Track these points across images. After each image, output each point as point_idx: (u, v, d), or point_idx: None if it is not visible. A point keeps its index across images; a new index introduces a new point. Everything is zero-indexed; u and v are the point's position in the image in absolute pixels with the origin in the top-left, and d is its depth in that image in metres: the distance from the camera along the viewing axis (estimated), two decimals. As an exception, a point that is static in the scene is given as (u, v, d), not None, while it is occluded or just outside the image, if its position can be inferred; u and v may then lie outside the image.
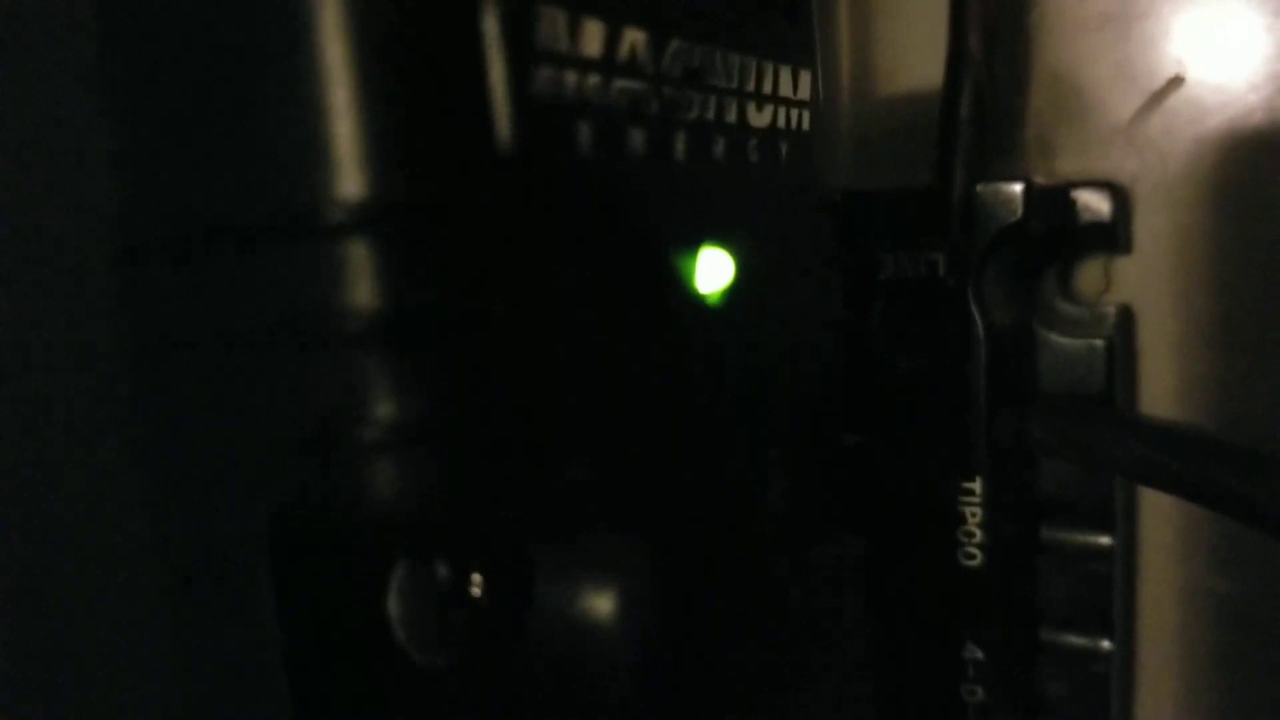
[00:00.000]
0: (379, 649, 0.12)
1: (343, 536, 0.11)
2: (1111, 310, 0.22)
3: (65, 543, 0.13)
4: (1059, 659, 0.22)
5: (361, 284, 0.10)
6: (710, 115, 0.14)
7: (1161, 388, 0.23)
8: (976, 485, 0.21)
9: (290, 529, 0.11)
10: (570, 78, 0.11)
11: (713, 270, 0.14)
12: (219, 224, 0.11)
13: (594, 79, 0.12)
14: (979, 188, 0.21)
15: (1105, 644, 0.22)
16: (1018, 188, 0.21)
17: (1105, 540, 0.22)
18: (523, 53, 0.11)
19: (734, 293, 0.14)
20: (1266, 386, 0.22)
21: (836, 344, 0.19)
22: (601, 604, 0.13)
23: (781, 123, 0.15)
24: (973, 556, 0.21)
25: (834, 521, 0.19)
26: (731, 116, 0.14)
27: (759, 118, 0.15)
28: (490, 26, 0.11)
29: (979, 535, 0.21)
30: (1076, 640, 0.22)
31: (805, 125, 0.16)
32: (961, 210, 0.21)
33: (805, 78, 0.16)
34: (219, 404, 0.11)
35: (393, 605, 0.12)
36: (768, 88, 0.15)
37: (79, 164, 0.12)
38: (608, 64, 0.12)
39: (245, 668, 0.12)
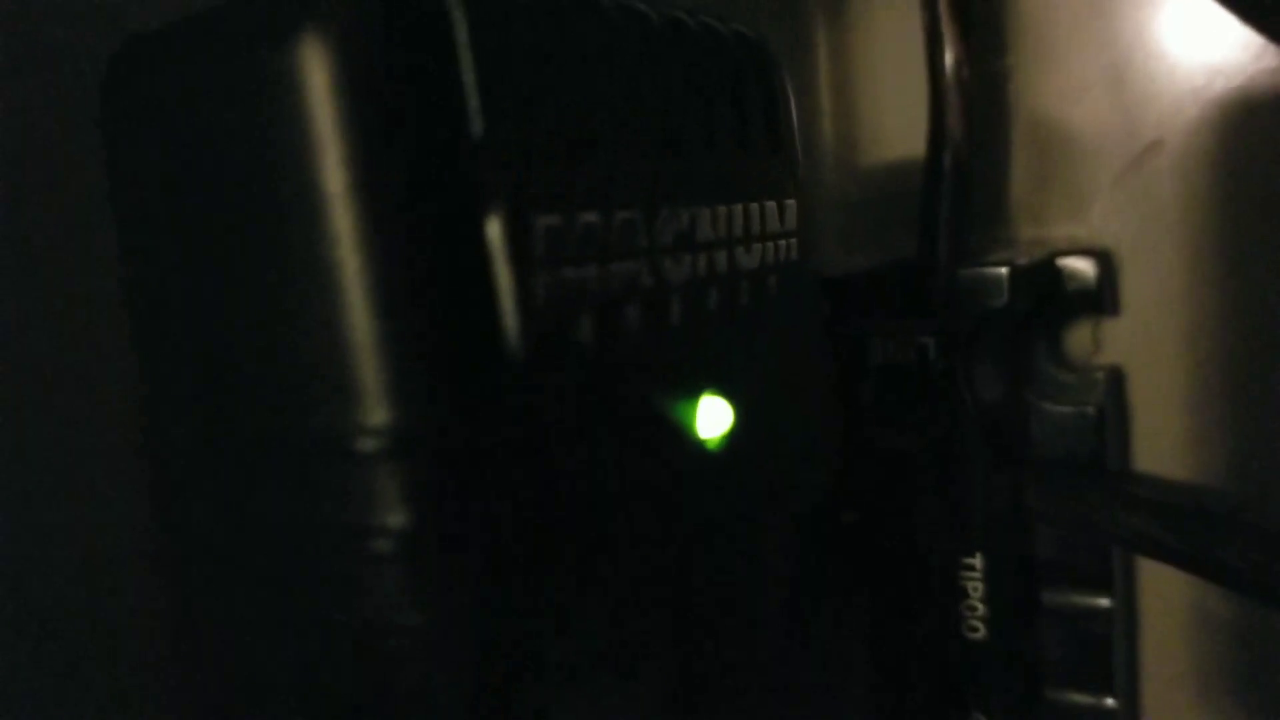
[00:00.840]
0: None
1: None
2: (1101, 375, 0.23)
3: None
4: (1065, 717, 0.23)
5: (386, 504, 0.11)
6: (702, 271, 0.14)
7: (1155, 444, 0.23)
8: (977, 560, 0.21)
9: (321, 713, 0.12)
10: (570, 274, 0.12)
11: (712, 417, 0.14)
12: (246, 441, 0.11)
13: (590, 270, 0.12)
14: (964, 273, 0.21)
15: (1109, 702, 0.22)
16: (1003, 271, 0.21)
17: (1104, 601, 0.22)
18: (525, 264, 0.11)
19: (735, 432, 0.15)
20: (1258, 440, 0.23)
21: (832, 435, 0.19)
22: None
23: (770, 259, 0.16)
24: (976, 629, 0.21)
25: (836, 600, 0.20)
26: (722, 266, 0.15)
27: (748, 260, 0.15)
28: (494, 243, 0.11)
29: (981, 608, 0.21)
30: (1081, 699, 0.22)
31: (793, 254, 0.16)
32: (947, 293, 0.22)
33: (790, 207, 0.16)
34: (248, 604, 0.12)
35: None
36: (755, 228, 0.15)
37: (108, 366, 0.12)
38: (603, 251, 0.12)
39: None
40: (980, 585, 0.21)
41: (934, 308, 0.22)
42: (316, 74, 0.10)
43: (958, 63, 0.23)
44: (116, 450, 0.13)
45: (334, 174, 0.11)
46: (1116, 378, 0.23)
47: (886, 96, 0.26)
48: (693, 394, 0.14)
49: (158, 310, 0.12)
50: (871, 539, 0.22)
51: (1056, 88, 0.24)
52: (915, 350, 0.21)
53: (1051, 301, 0.23)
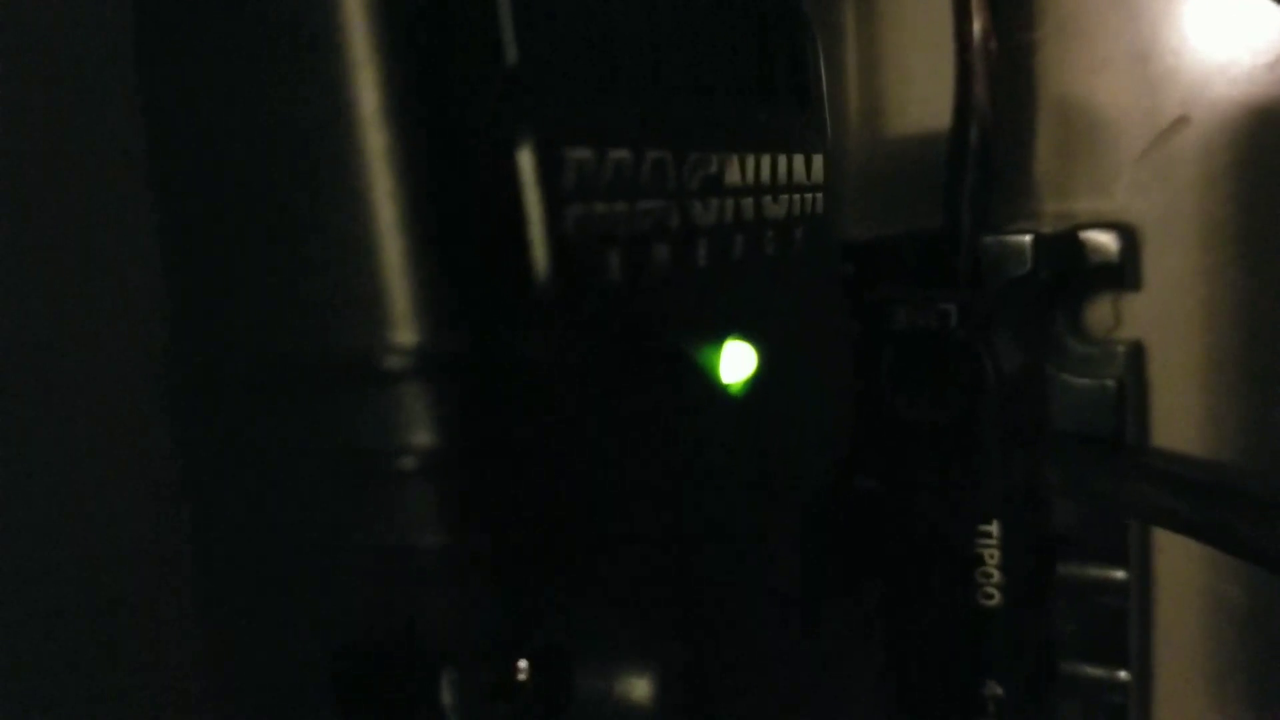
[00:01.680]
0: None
1: (397, 643, 0.12)
2: (1121, 349, 0.23)
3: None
4: (1077, 691, 0.23)
5: (411, 423, 0.11)
6: (729, 217, 0.14)
7: (1173, 420, 0.23)
8: (993, 528, 0.21)
9: (350, 636, 0.12)
10: (600, 209, 0.12)
11: (736, 363, 0.14)
12: (275, 363, 0.11)
13: (620, 206, 0.12)
14: (988, 240, 0.21)
15: (1122, 675, 0.22)
16: (1026, 239, 0.21)
17: (1119, 575, 0.22)
18: (556, 194, 0.12)
19: (757, 380, 0.15)
20: (1275, 417, 0.23)
21: (850, 398, 0.20)
22: (637, 691, 0.13)
23: (796, 210, 0.16)
24: (991, 596, 0.21)
25: (853, 566, 0.20)
26: (749, 214, 0.15)
27: (775, 209, 0.15)
28: (525, 173, 0.11)
29: (997, 575, 0.21)
30: (1094, 672, 0.22)
31: (819, 208, 0.16)
32: (970, 262, 0.22)
33: (818, 162, 0.16)
34: (277, 531, 0.12)
35: (446, 698, 0.13)
36: (782, 179, 0.15)
37: (137, 298, 0.12)
38: (633, 188, 0.13)
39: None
40: (996, 553, 0.21)
41: (956, 275, 0.22)
42: (354, -4, 0.10)
43: (985, 34, 0.23)
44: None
45: (369, 95, 0.11)
46: (1136, 352, 0.23)
47: (913, 67, 0.26)
48: (717, 338, 0.14)
49: (186, 233, 0.12)
50: (888, 506, 0.22)
51: (1082, 62, 0.24)
52: (936, 317, 0.21)
53: (1073, 274, 0.23)
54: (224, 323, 0.12)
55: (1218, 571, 0.23)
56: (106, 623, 0.13)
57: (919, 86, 0.26)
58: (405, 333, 0.11)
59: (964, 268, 0.21)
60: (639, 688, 0.13)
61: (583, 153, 0.12)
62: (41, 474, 0.13)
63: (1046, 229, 0.22)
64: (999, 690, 0.21)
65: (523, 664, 0.13)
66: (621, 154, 0.12)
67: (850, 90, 0.27)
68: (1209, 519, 0.20)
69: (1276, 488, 0.22)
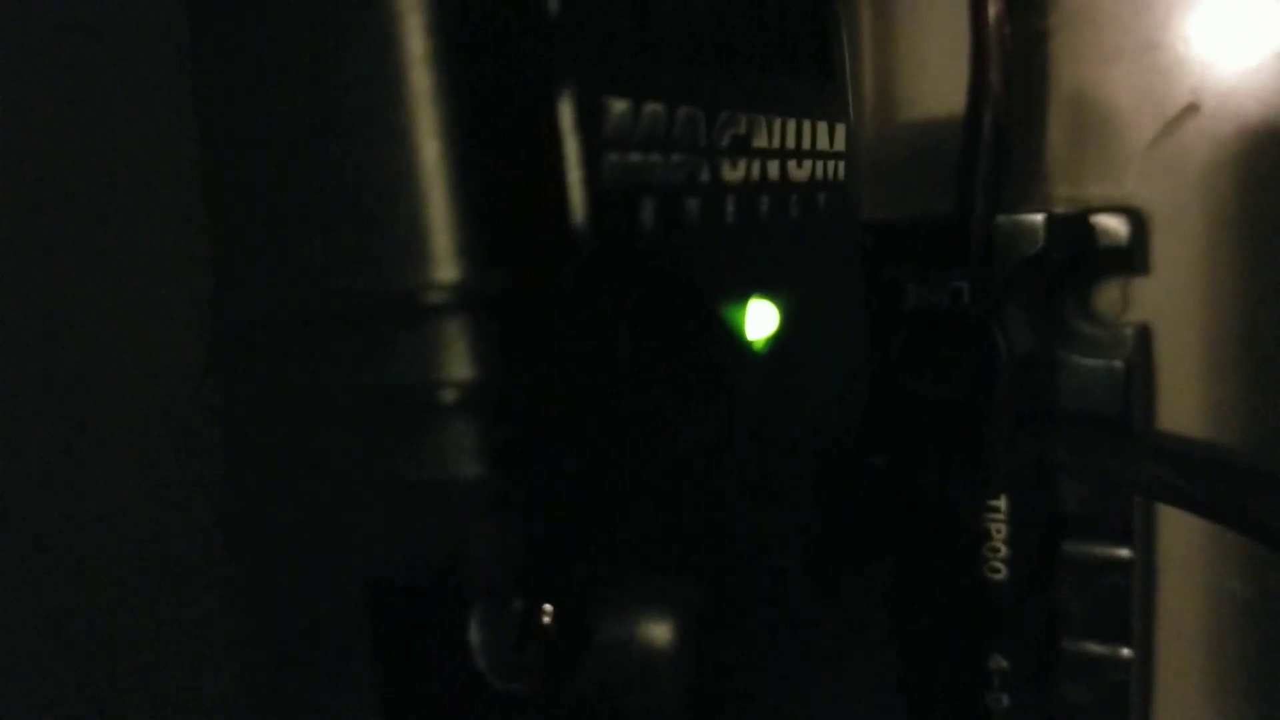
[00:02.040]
0: (462, 678, 0.13)
1: (430, 579, 0.13)
2: (1130, 331, 0.23)
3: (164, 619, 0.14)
4: (1080, 667, 0.23)
5: (455, 358, 0.11)
6: (755, 177, 0.15)
7: (1179, 404, 0.24)
8: (1001, 503, 0.22)
9: (384, 572, 0.12)
10: (635, 159, 0.12)
11: (759, 320, 0.15)
12: (322, 302, 0.12)
13: (655, 157, 0.13)
14: (1000, 219, 0.22)
15: (1125, 652, 0.23)
16: (1038, 219, 0.22)
17: (1124, 553, 0.23)
18: (594, 142, 0.12)
19: (778, 339, 0.15)
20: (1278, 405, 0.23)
21: (866, 372, 0.20)
22: (655, 636, 0.14)
23: (820, 175, 0.16)
24: (998, 570, 0.22)
25: (864, 539, 0.20)
26: (774, 175, 0.15)
27: (799, 173, 0.16)
28: (565, 120, 0.12)
29: (1004, 550, 0.22)
30: (1097, 649, 0.23)
31: (841, 175, 0.17)
32: (982, 241, 0.22)
33: (840, 130, 0.17)
34: (315, 470, 0.12)
35: (474, 637, 0.13)
36: (806, 144, 0.16)
37: (183, 241, 0.13)
38: (666, 142, 0.13)
39: (340, 700, 0.13)
40: (1004, 528, 0.21)
41: (968, 255, 0.22)
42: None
43: (1000, 20, 0.23)
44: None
45: (416, 40, 0.11)
46: (1144, 335, 0.23)
47: (928, 52, 0.26)
48: (742, 294, 0.14)
49: (230, 174, 0.12)
50: (898, 482, 0.22)
51: (1094, 51, 0.24)
52: (949, 295, 0.21)
53: (1083, 257, 0.23)
54: (268, 262, 0.12)
55: (1218, 557, 0.24)
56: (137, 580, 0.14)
57: (934, 72, 0.26)
58: (448, 270, 0.11)
59: (976, 248, 0.22)
60: (657, 635, 0.14)
61: (620, 103, 0.12)
62: (88, 427, 0.13)
63: (1055, 211, 0.22)
64: (1004, 664, 0.22)
65: (547, 607, 0.14)
66: (656, 107, 0.13)
67: (866, 75, 0.27)
68: (1215, 497, 0.20)
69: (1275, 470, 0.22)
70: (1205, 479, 0.21)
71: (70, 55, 0.13)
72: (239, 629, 0.13)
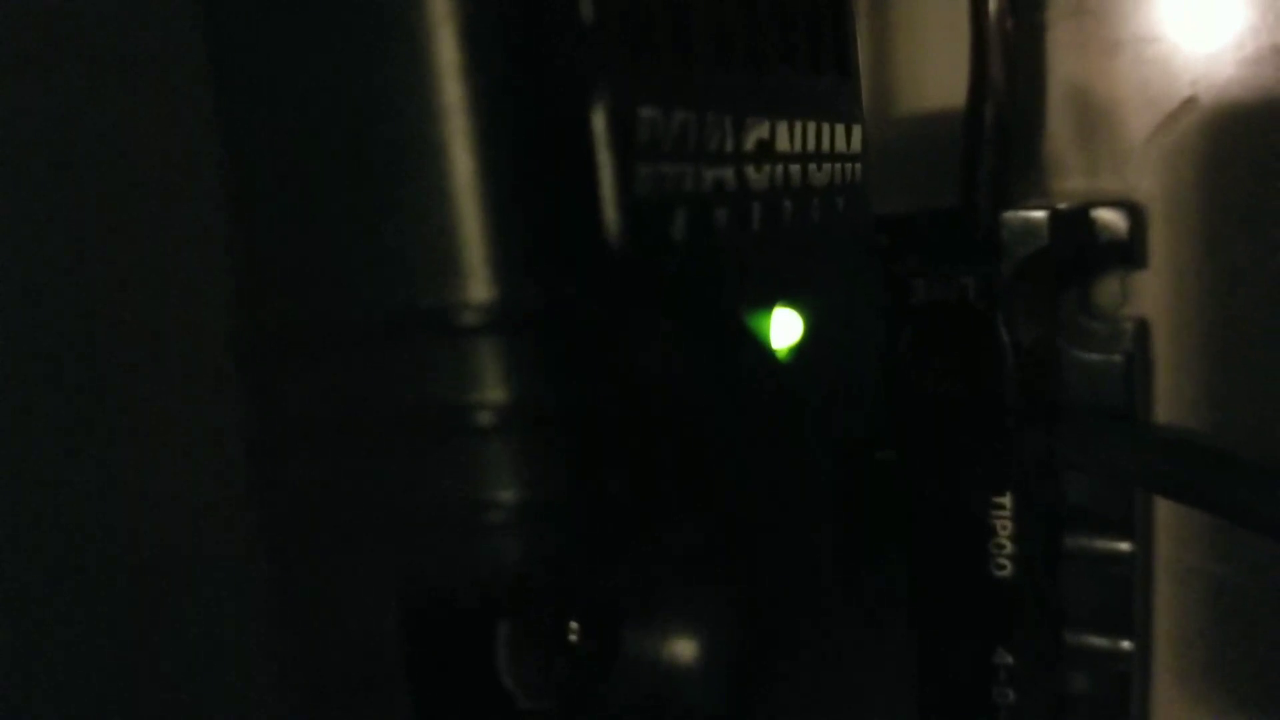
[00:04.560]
0: (490, 696, 0.13)
1: (460, 599, 0.12)
2: (1129, 325, 0.23)
3: (191, 642, 0.13)
4: (1083, 660, 0.23)
5: (487, 379, 0.11)
6: (779, 182, 0.14)
7: (1177, 398, 0.24)
8: (1007, 500, 0.22)
9: (414, 591, 0.12)
10: (666, 168, 0.12)
11: (783, 328, 0.15)
12: (348, 319, 0.11)
13: (685, 167, 0.12)
14: (1005, 215, 0.22)
15: (1126, 644, 0.23)
16: (1043, 215, 0.21)
17: (1126, 547, 0.23)
18: (627, 153, 0.12)
19: (802, 346, 0.15)
20: (1276, 397, 0.23)
21: (878, 370, 0.20)
22: (683, 651, 0.14)
23: (838, 179, 0.16)
24: (1003, 567, 0.22)
25: (876, 537, 0.20)
26: (796, 180, 0.15)
27: (819, 177, 0.15)
28: (599, 130, 0.11)
29: (1009, 547, 0.22)
30: (1099, 642, 0.23)
31: (858, 178, 0.16)
32: (987, 237, 0.22)
33: (857, 132, 0.16)
34: (341, 491, 0.12)
35: (501, 654, 0.13)
36: (826, 146, 0.16)
37: (201, 254, 0.12)
38: (696, 150, 0.13)
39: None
40: (1009, 524, 0.22)
41: (973, 250, 0.22)
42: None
43: (1001, 12, 0.23)
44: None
45: (448, 49, 0.11)
46: (1143, 329, 0.23)
47: (929, 45, 0.26)
48: (767, 303, 0.14)
49: (256, 184, 0.12)
50: (906, 478, 0.22)
51: (1094, 44, 0.24)
52: (956, 290, 0.21)
53: (1085, 252, 0.23)
54: (297, 279, 0.12)
55: (1213, 550, 0.24)
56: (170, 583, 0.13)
57: (934, 65, 0.26)
58: (481, 288, 0.11)
59: (981, 243, 0.22)
60: (685, 651, 0.14)
61: (652, 112, 0.12)
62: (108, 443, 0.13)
63: (1059, 207, 0.22)
64: (1010, 659, 0.22)
65: (574, 624, 0.13)
66: (687, 115, 0.12)
67: (866, 69, 0.27)
68: (1216, 490, 0.20)
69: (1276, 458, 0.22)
70: (1206, 471, 0.21)
71: (89, 61, 0.12)
72: (270, 643, 0.13)
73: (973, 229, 0.22)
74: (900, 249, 0.23)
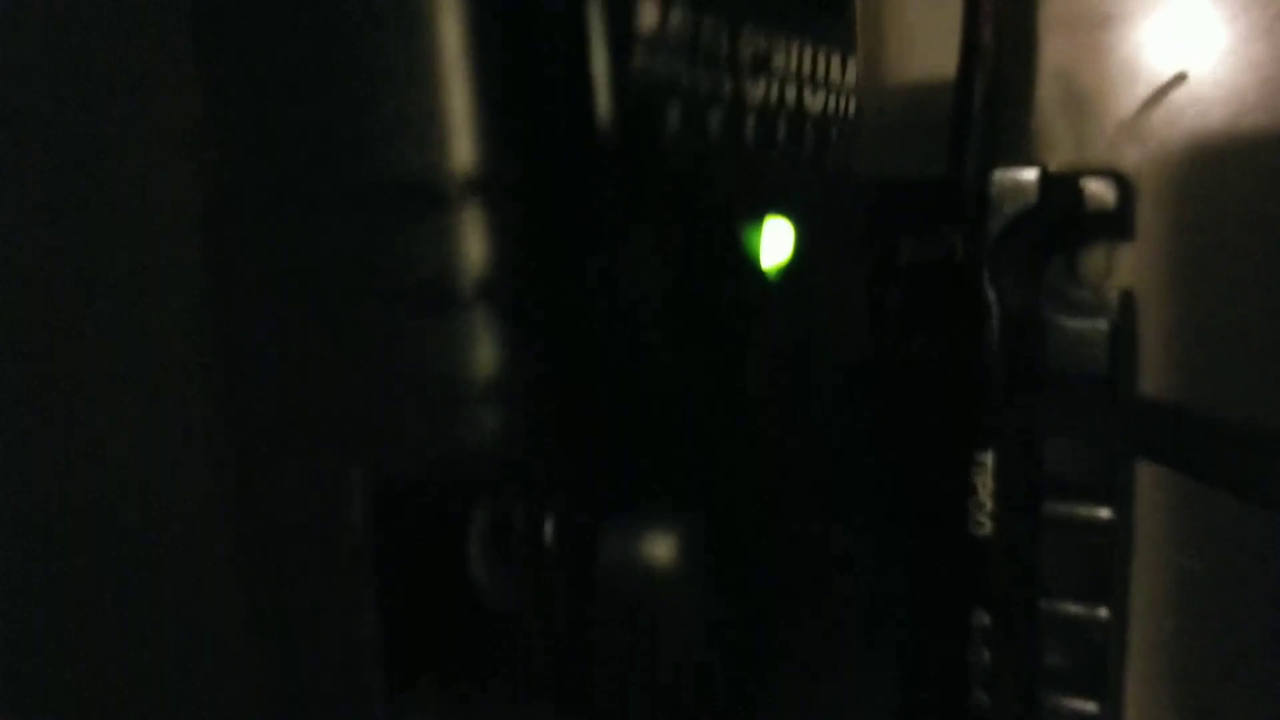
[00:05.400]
0: (459, 594, 0.13)
1: (431, 489, 0.12)
2: (1115, 294, 0.23)
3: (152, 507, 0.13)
4: (1060, 627, 0.23)
5: (470, 249, 0.11)
6: (774, 100, 0.14)
7: (1158, 367, 0.24)
8: (988, 458, 0.22)
9: (384, 485, 0.12)
10: (661, 61, 0.12)
11: (774, 247, 0.15)
12: (333, 194, 0.11)
13: (680, 63, 0.12)
14: (995, 174, 0.22)
15: (1103, 612, 0.23)
16: (1033, 174, 0.22)
17: (1104, 514, 0.23)
18: (622, 37, 0.12)
19: (790, 268, 0.15)
20: (1257, 369, 0.23)
21: (867, 302, 0.20)
22: (660, 556, 0.13)
23: (832, 108, 0.16)
24: (982, 525, 0.22)
25: (856, 492, 0.20)
26: (791, 101, 0.15)
27: (813, 102, 0.15)
28: (594, 13, 0.11)
29: (989, 505, 0.22)
30: (1075, 609, 0.23)
31: (851, 111, 0.16)
32: (977, 195, 0.22)
33: (851, 65, 0.16)
34: (313, 374, 0.12)
35: (472, 551, 0.13)
36: (820, 73, 0.16)
37: (179, 127, 0.12)
38: (691, 49, 0.13)
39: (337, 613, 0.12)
40: (989, 482, 0.21)
41: (962, 213, 0.22)
42: None
43: (992, -19, 0.23)
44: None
45: (447, -80, 0.11)
46: (1128, 299, 0.24)
47: (918, 12, 0.26)
48: (758, 219, 0.14)
49: (243, 57, 0.12)
50: (891, 434, 0.22)
51: (1084, 17, 0.25)
52: (943, 249, 0.21)
53: (1072, 219, 0.23)
54: (281, 148, 0.12)
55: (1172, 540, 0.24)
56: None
57: (923, 33, 0.26)
58: (466, 156, 0.11)
59: (969, 202, 0.22)
60: (662, 553, 0.13)
61: (649, 6, 0.12)
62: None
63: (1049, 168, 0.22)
64: (986, 620, 0.22)
65: (549, 525, 0.13)
66: (684, 13, 0.12)
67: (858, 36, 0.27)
68: (1194, 453, 0.20)
69: (1255, 427, 0.22)
70: (1185, 437, 0.21)
71: None
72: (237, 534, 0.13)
73: (963, 189, 0.22)
74: (889, 213, 0.23)
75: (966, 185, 0.23)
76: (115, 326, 0.13)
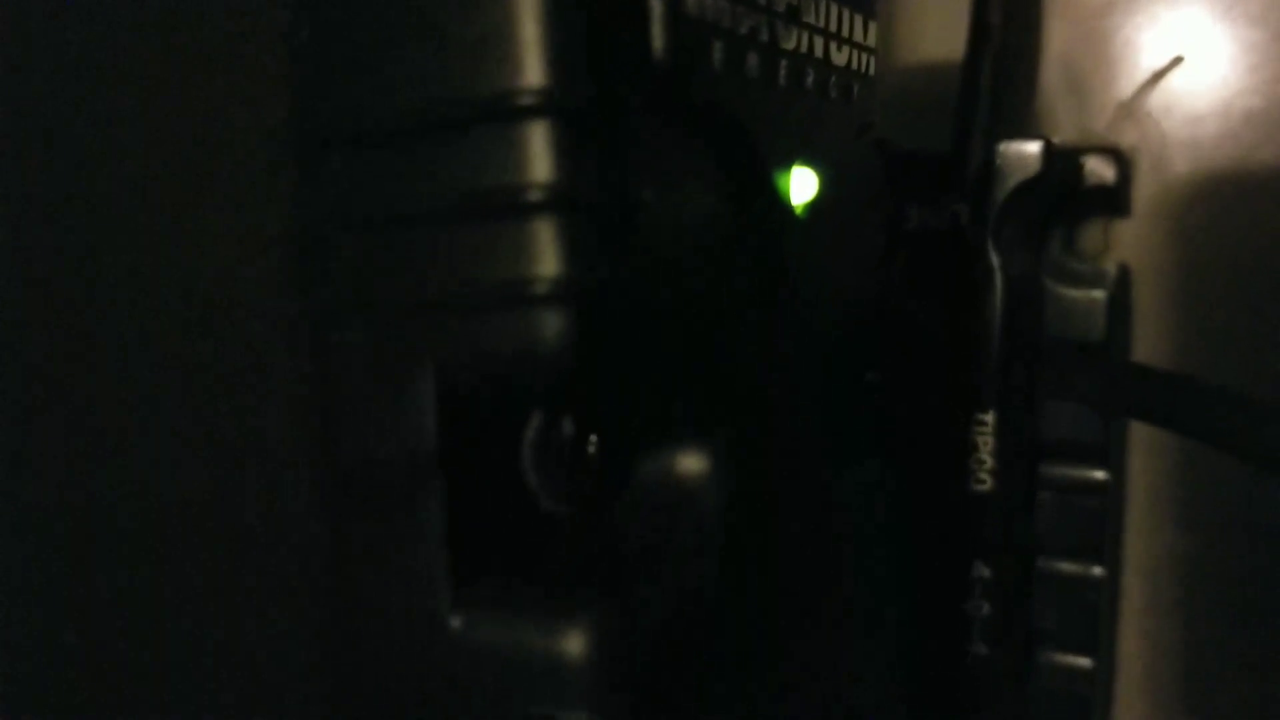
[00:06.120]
0: (513, 496, 0.14)
1: (492, 397, 0.13)
2: (1112, 267, 0.24)
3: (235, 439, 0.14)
4: (1055, 585, 0.24)
5: (538, 161, 0.12)
6: (804, 49, 0.15)
7: (1153, 338, 0.25)
8: (989, 417, 0.23)
9: (450, 391, 0.13)
10: (709, 3, 0.13)
11: (801, 186, 0.15)
12: (408, 110, 0.12)
13: (725, 5, 0.13)
14: (1000, 146, 0.23)
15: (1096, 570, 0.24)
16: (1036, 146, 0.23)
17: (1100, 475, 0.24)
18: (676, -27, 0.12)
19: (814, 209, 0.16)
20: (1248, 343, 0.24)
21: (880, 251, 0.21)
22: (691, 472, 0.14)
23: (855, 64, 0.17)
24: (983, 481, 0.23)
25: (860, 447, 0.21)
26: (820, 53, 0.16)
27: (839, 57, 0.16)
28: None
29: (989, 462, 0.23)
30: (1071, 568, 0.24)
31: (872, 70, 0.17)
32: (982, 165, 0.23)
33: (872, 27, 0.17)
34: (384, 278, 0.13)
35: (527, 454, 0.14)
36: (845, 30, 0.16)
37: (263, 55, 0.13)
38: (734, -7, 0.14)
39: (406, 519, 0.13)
40: (990, 440, 0.22)
41: (967, 184, 0.23)
42: None
43: (1001, -36, 0.24)
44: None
45: None
46: (1124, 273, 0.25)
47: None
48: (788, 158, 0.15)
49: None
50: (892, 397, 0.23)
51: (1086, 1, 0.26)
52: (949, 217, 0.22)
53: (1073, 192, 0.24)
54: (362, 72, 0.12)
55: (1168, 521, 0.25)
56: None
57: (934, 12, 0.27)
58: (538, 75, 0.12)
59: (975, 170, 0.23)
60: (694, 469, 0.14)
61: (699, -57, 0.13)
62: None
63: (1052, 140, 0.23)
64: (986, 573, 0.23)
65: (593, 437, 0.14)
66: (728, -45, 0.13)
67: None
68: (1189, 414, 0.21)
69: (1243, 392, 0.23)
70: (1180, 399, 0.22)
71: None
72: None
73: (968, 160, 0.23)
74: (896, 182, 0.24)
75: (973, 159, 0.24)
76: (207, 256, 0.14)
